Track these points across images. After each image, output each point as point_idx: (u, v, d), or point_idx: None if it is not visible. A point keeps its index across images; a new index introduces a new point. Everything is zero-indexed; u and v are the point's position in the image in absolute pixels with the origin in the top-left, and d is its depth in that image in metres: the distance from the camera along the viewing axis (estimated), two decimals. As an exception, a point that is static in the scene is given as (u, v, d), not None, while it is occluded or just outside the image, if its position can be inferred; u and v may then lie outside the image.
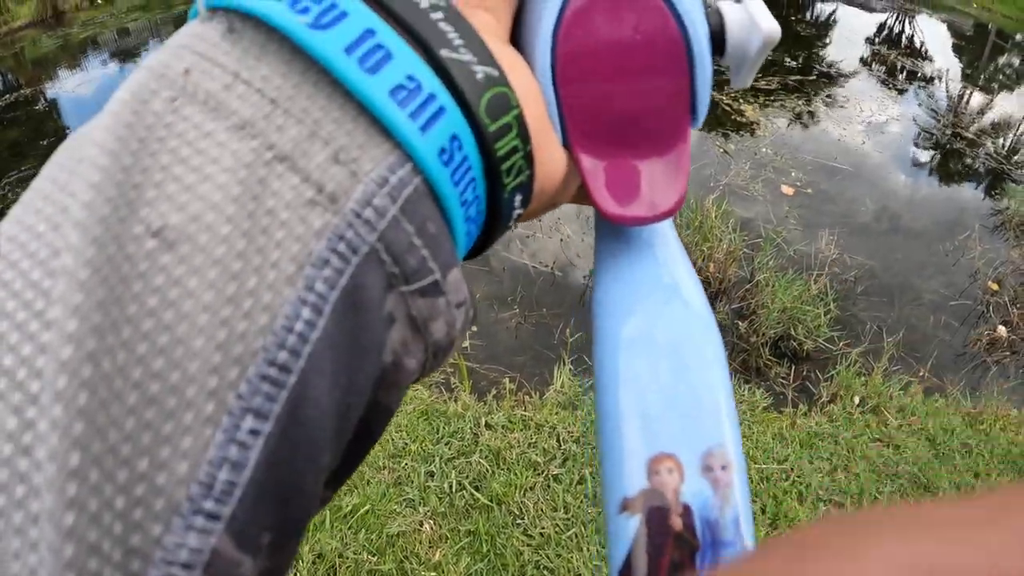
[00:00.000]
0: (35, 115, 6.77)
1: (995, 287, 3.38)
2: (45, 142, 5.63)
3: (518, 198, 0.18)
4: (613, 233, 0.23)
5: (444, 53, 0.15)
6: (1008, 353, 2.87)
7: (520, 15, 0.20)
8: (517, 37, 0.20)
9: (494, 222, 0.18)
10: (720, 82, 5.83)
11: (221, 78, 0.14)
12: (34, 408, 0.11)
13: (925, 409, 2.35)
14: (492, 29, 0.18)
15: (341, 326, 0.13)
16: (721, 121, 4.95)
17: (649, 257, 0.22)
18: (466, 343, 2.57)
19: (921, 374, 2.62)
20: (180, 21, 9.98)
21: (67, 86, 7.42)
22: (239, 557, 0.12)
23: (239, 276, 0.12)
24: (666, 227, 0.23)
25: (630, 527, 0.18)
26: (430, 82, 0.15)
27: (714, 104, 5.27)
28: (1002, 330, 3.00)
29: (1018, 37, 17.15)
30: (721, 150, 4.35)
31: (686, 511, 0.18)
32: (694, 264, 2.85)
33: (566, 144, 0.20)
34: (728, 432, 0.19)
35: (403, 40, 0.15)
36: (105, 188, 0.12)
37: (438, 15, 0.15)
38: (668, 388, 0.19)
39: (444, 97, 0.15)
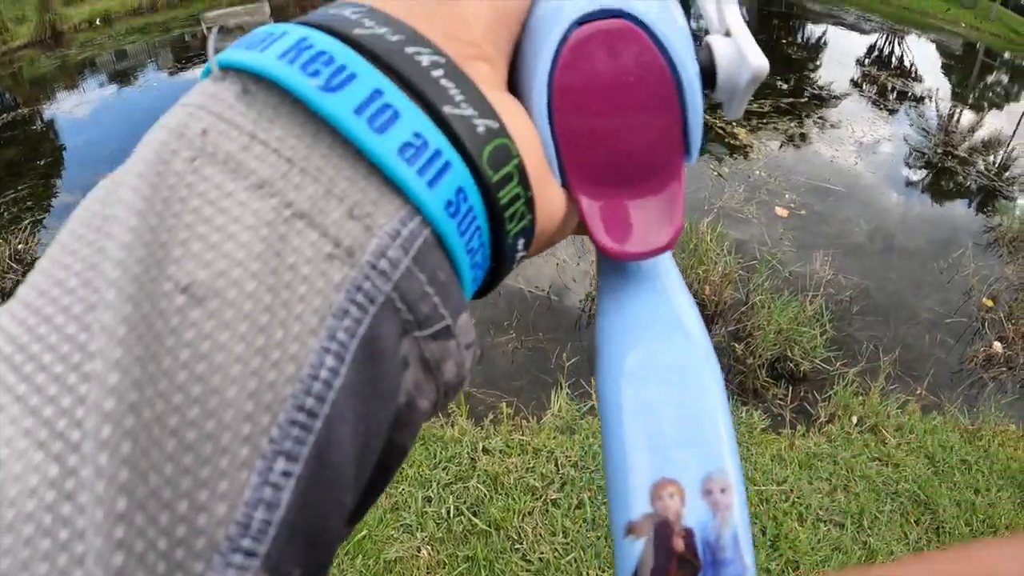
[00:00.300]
0: (32, 135, 6.78)
1: (990, 303, 3.39)
2: (42, 162, 5.63)
3: (521, 242, 0.18)
4: (614, 267, 0.24)
5: (447, 109, 0.16)
6: (1005, 369, 2.88)
7: (516, 59, 0.21)
8: (514, 81, 0.21)
9: (499, 265, 0.19)
10: (713, 106, 5.84)
11: (238, 139, 0.14)
12: (75, 456, 0.12)
13: (923, 427, 2.35)
14: (490, 79, 0.19)
15: (361, 372, 0.14)
16: (715, 144, 5.00)
17: (650, 290, 0.23)
18: None
19: (918, 392, 2.63)
20: (177, 45, 10.08)
21: (64, 107, 7.50)
22: None
23: (266, 329, 0.13)
24: (666, 259, 0.24)
25: (635, 550, 0.19)
26: (435, 138, 0.15)
27: (708, 128, 5.31)
28: (998, 346, 3.00)
29: (1006, 55, 17.31)
30: (715, 173, 4.41)
31: (688, 533, 0.19)
32: (690, 287, 2.85)
33: (564, 184, 0.21)
34: (728, 457, 0.20)
35: (408, 98, 0.15)
36: (135, 248, 0.13)
37: (439, 72, 0.16)
38: (670, 417, 0.20)
39: (449, 152, 0.15)
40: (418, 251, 0.15)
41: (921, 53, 13.05)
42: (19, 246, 3.89)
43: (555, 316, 2.85)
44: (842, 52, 10.86)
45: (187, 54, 9.73)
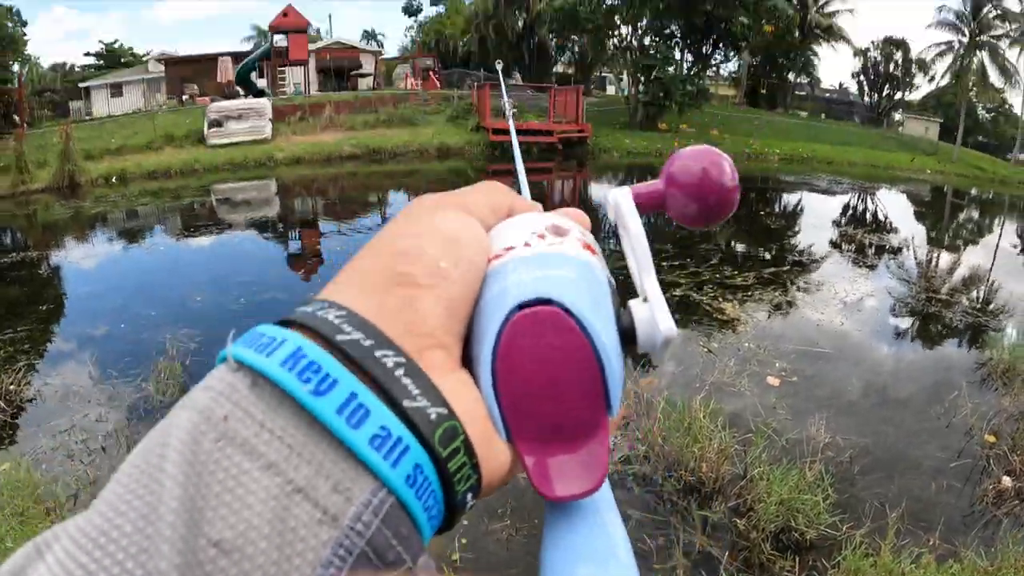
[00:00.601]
0: (37, 278, 7.00)
1: (992, 439, 3.40)
2: (43, 307, 5.70)
3: (469, 496, 0.22)
4: (555, 504, 0.26)
5: (406, 403, 0.20)
6: (1017, 502, 2.86)
7: (471, 332, 0.25)
8: (468, 353, 0.25)
9: (453, 513, 0.22)
10: (700, 282, 6.17)
11: (252, 426, 0.18)
12: None
13: (941, 578, 2.31)
14: (444, 364, 0.23)
15: None
16: (703, 322, 5.17)
17: (586, 524, 0.25)
18: (456, 555, 2.54)
19: (932, 542, 2.60)
20: (187, 212, 10.57)
21: (73, 256, 7.84)
22: None
23: None
24: (605, 494, 0.27)
25: None
26: (397, 428, 0.20)
27: (695, 305, 5.53)
28: (1007, 480, 3.00)
29: (973, 191, 18.02)
30: (705, 349, 4.52)
31: None
32: (685, 466, 2.93)
33: (509, 439, 0.24)
34: None
35: (376, 397, 0.20)
36: (181, 513, 0.17)
37: (401, 371, 0.20)
38: None
39: (408, 438, 0.20)
40: (385, 514, 0.19)
41: (893, 204, 13.69)
42: (10, 386, 3.90)
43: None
44: (818, 216, 11.35)
45: (195, 222, 9.91)
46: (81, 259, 7.69)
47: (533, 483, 0.24)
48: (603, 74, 32.53)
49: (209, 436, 0.18)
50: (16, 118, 16.06)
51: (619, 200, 0.30)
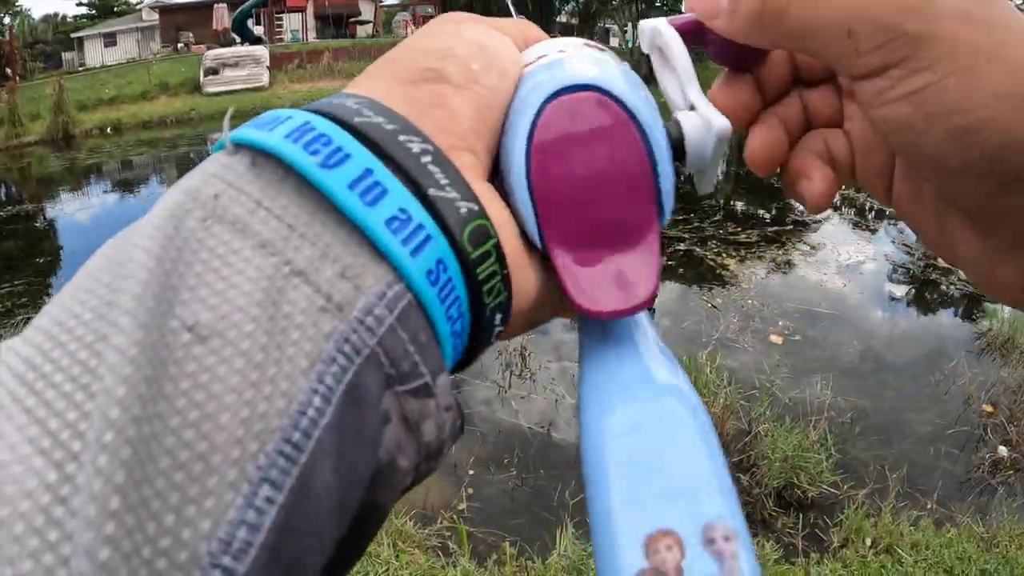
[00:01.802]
0: (33, 231, 6.93)
1: (990, 409, 3.40)
2: (40, 260, 5.70)
3: (498, 316, 0.20)
4: (595, 332, 0.23)
5: (432, 191, 0.17)
6: (1012, 472, 2.88)
7: (501, 140, 0.22)
8: (498, 164, 0.22)
9: (478, 337, 0.20)
10: (704, 238, 6.16)
11: (246, 204, 0.16)
12: (74, 464, 0.12)
13: (938, 542, 2.35)
14: (474, 169, 0.20)
15: (345, 416, 0.15)
16: (706, 277, 5.16)
17: (632, 352, 0.22)
18: (462, 505, 2.55)
19: (929, 507, 2.63)
20: (183, 161, 10.39)
21: (68, 208, 7.73)
22: None
23: (261, 366, 0.14)
24: (645, 324, 0.23)
25: None
26: (419, 214, 0.17)
27: (698, 261, 5.51)
28: (1003, 450, 3.01)
29: None
30: (709, 305, 4.51)
31: None
32: None
33: (543, 247, 0.21)
34: (726, 505, 0.18)
35: (397, 179, 0.17)
36: (151, 286, 0.14)
37: (427, 159, 0.18)
38: (660, 470, 0.18)
39: (431, 227, 0.17)
40: (401, 312, 0.16)
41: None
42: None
43: (555, 452, 2.84)
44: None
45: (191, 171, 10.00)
46: (77, 211, 7.58)
47: (570, 295, 0.21)
48: (606, 25, 31.97)
49: (195, 215, 0.16)
50: (8, 71, 15.76)
51: (658, 28, 0.26)
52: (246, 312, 0.15)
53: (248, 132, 0.17)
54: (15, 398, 0.13)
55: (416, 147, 0.18)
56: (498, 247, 0.19)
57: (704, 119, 0.23)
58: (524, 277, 0.21)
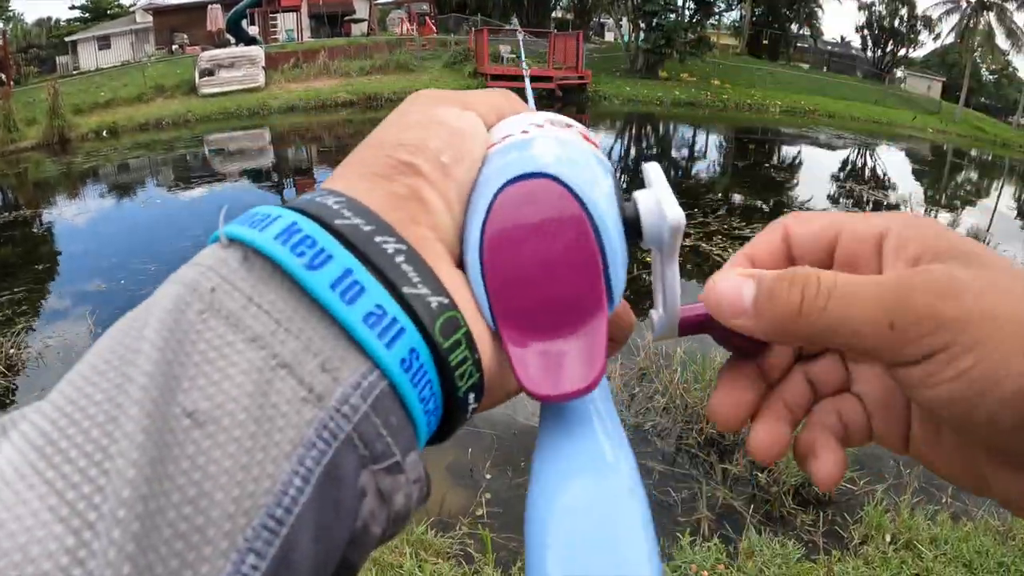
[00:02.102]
0: (31, 237, 6.89)
1: None
2: (39, 266, 5.62)
3: (471, 396, 0.21)
4: (552, 412, 0.24)
5: (406, 289, 0.19)
6: None
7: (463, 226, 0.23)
8: (461, 248, 0.23)
9: (455, 414, 0.21)
10: (709, 233, 6.16)
11: (239, 299, 0.18)
12: (90, 532, 0.14)
13: (956, 536, 2.37)
14: (444, 258, 0.21)
15: (323, 493, 0.16)
16: (703, 266, 5.24)
17: (581, 431, 0.23)
18: (480, 510, 2.55)
19: (945, 500, 2.65)
20: (180, 163, 10.46)
21: (66, 213, 7.66)
22: None
23: (250, 451, 0.16)
24: (599, 401, 0.24)
25: None
26: (393, 309, 0.19)
27: (706, 255, 5.56)
28: None
29: (973, 152, 17.95)
30: None
31: None
32: (707, 420, 2.92)
33: (496, 331, 0.22)
34: (647, 565, 0.19)
35: (374, 278, 0.19)
36: (155, 377, 0.16)
37: (401, 258, 0.19)
38: (594, 551, 0.19)
39: (404, 321, 0.19)
40: (375, 399, 0.18)
41: (893, 162, 13.65)
42: (11, 350, 3.82)
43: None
44: (819, 168, 11.35)
45: (189, 173, 9.81)
46: (75, 216, 7.54)
47: (519, 380, 0.22)
48: (602, 20, 31.94)
49: (194, 307, 0.18)
50: (2, 76, 15.65)
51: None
52: (238, 402, 0.16)
53: (241, 230, 0.19)
54: (35, 469, 0.15)
55: (391, 247, 0.20)
56: (468, 336, 0.20)
57: (657, 205, 0.24)
58: (495, 358, 0.22)
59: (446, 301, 0.20)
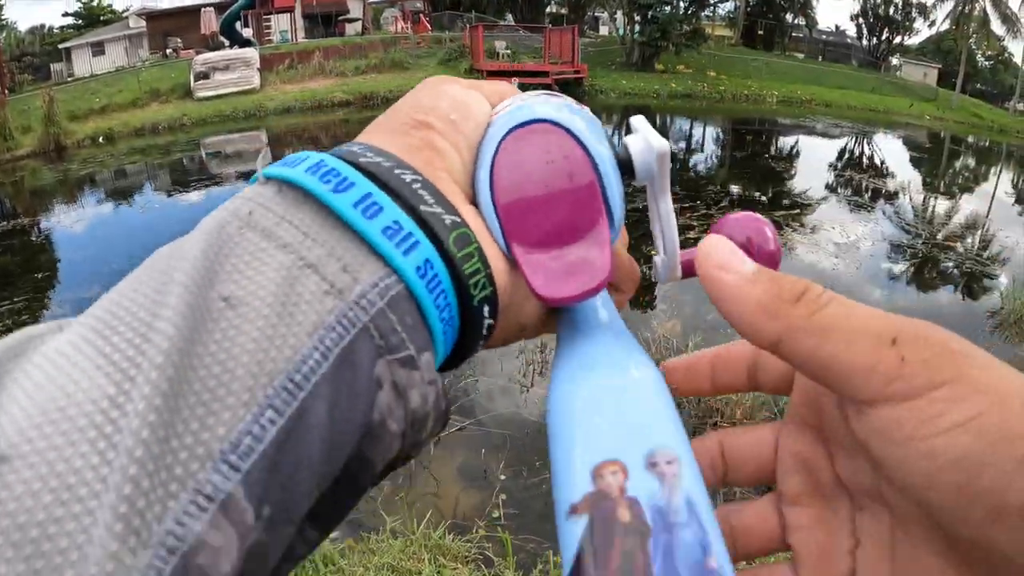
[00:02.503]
0: (29, 246, 6.86)
1: None
2: (39, 275, 5.62)
3: (486, 308, 0.23)
4: (565, 319, 0.27)
5: (422, 208, 0.22)
6: None
7: (473, 174, 0.26)
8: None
9: (472, 328, 0.23)
10: (712, 225, 6.10)
11: (272, 218, 0.20)
12: (129, 383, 0.16)
13: None
14: (457, 195, 0.24)
15: (339, 371, 0.18)
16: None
17: (594, 332, 0.26)
18: (497, 512, 2.51)
19: None
20: (177, 167, 10.49)
21: (64, 220, 7.67)
22: (245, 506, 0.16)
23: (275, 327, 0.18)
24: (613, 312, 0.27)
25: (578, 528, 0.19)
26: (409, 225, 0.21)
27: (694, 244, 5.51)
28: None
29: (970, 139, 17.82)
30: None
31: (633, 503, 0.19)
32: (719, 412, 2.90)
33: (507, 252, 0.24)
34: (671, 436, 0.21)
35: (392, 200, 0.21)
36: (197, 271, 0.18)
37: (417, 185, 0.22)
38: (615, 419, 0.21)
39: (419, 235, 0.21)
40: (392, 299, 0.20)
41: (890, 150, 13.60)
42: None
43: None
44: (817, 158, 11.29)
45: (186, 177, 9.77)
46: (74, 223, 7.53)
47: (530, 286, 0.24)
48: (596, 14, 31.85)
49: (233, 225, 0.20)
50: (-4, 85, 15.59)
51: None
52: (267, 290, 0.19)
53: (276, 168, 0.22)
54: (88, 340, 0.17)
55: (408, 177, 0.22)
56: (480, 250, 0.23)
57: (645, 139, 0.27)
58: (508, 279, 0.24)
59: (458, 220, 0.22)
